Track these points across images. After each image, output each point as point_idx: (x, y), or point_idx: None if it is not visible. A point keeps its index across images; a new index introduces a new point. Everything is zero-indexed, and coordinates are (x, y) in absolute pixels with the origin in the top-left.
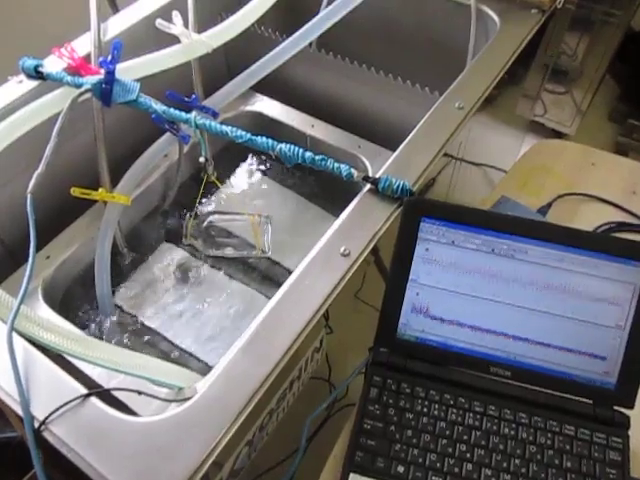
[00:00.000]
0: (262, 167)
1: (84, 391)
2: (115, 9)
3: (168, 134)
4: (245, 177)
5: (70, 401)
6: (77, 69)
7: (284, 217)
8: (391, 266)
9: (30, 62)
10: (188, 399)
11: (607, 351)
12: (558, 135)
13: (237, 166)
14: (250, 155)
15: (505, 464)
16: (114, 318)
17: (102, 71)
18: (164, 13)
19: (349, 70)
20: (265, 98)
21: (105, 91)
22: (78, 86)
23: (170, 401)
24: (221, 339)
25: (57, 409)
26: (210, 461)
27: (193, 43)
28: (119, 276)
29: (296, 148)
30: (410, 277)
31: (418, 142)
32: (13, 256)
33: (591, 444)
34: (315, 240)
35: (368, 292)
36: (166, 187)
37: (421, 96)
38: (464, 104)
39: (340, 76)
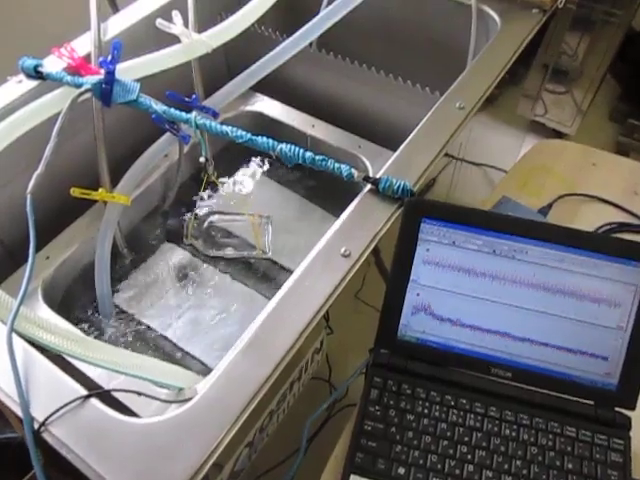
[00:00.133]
0: (262, 167)
1: (84, 392)
2: (115, 9)
3: (168, 134)
4: (245, 177)
5: (70, 402)
6: (77, 69)
7: (284, 217)
8: (392, 267)
9: (30, 62)
10: (188, 400)
11: (608, 352)
12: (558, 135)
13: (237, 166)
14: (250, 155)
15: (506, 465)
16: (114, 319)
17: (102, 71)
18: (164, 13)
19: (349, 70)
20: (265, 98)
21: (105, 91)
22: (78, 86)
23: (170, 402)
24: (221, 340)
25: (57, 410)
26: (210, 462)
27: (193, 43)
28: (119, 276)
29: (296, 148)
30: (411, 278)
31: (419, 142)
32: (13, 256)
33: (592, 445)
34: (315, 240)
35: (368, 292)
36: (166, 187)
37: (421, 96)
38: (465, 104)
39: (340, 76)
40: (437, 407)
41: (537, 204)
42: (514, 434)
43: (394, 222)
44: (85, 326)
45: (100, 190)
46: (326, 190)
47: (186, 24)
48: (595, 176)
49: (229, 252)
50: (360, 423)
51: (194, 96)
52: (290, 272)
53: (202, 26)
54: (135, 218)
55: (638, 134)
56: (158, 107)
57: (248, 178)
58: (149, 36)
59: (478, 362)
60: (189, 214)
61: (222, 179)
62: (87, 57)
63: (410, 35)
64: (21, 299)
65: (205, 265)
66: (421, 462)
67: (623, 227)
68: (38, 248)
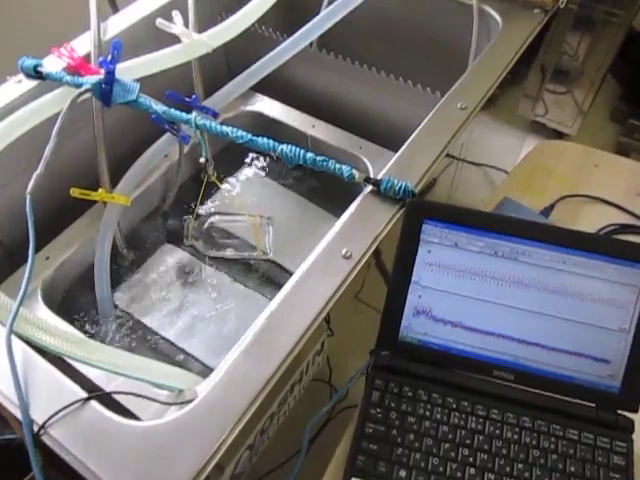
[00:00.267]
0: (263, 167)
1: (84, 394)
2: (115, 8)
3: (168, 134)
4: (245, 177)
5: (69, 405)
6: (77, 69)
7: (284, 217)
8: (393, 268)
9: (29, 62)
10: (189, 402)
11: (611, 354)
12: (559, 135)
13: (237, 166)
14: (250, 155)
15: (508, 468)
16: (114, 320)
17: (102, 71)
18: (164, 13)
19: (350, 70)
20: (265, 98)
21: (105, 91)
22: (78, 86)
23: (170, 404)
24: (221, 341)
25: (56, 413)
26: (211, 465)
27: (193, 43)
28: (119, 277)
29: (297, 149)
30: (412, 279)
31: (420, 143)
32: (12, 257)
33: (595, 448)
34: (316, 241)
35: (369, 293)
36: (166, 188)
37: (422, 96)
38: (467, 104)
39: (341, 76)
40: (439, 409)
41: (539, 205)
42: (516, 437)
43: (395, 223)
44: (85, 327)
45: (100, 190)
46: (327, 190)
47: (186, 24)
48: (597, 177)
49: (229, 253)
50: (361, 425)
51: (194, 96)
52: (291, 273)
53: (202, 26)
54: (135, 219)
55: (639, 134)
56: (158, 107)
57: (248, 178)
58: (149, 36)
59: (480, 364)
60: (189, 215)
61: (222, 180)
62: (87, 57)
63: (411, 35)
64: (20, 300)
65: (205, 266)
66: (422, 465)
67: (626, 228)
68: (38, 249)
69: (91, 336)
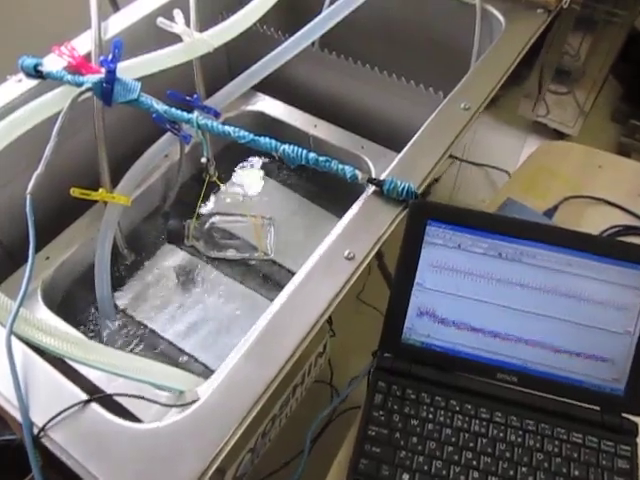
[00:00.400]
0: (264, 167)
1: (84, 396)
2: (116, 7)
3: (169, 134)
4: (246, 178)
5: (70, 407)
6: (77, 68)
7: (286, 218)
8: (396, 270)
9: (29, 61)
10: (189, 404)
11: (616, 357)
12: (560, 136)
13: (238, 166)
14: (252, 155)
15: (512, 472)
16: (114, 320)
17: (103, 70)
18: (165, 12)
19: (352, 70)
20: (267, 98)
21: (106, 90)
22: (78, 85)
23: (171, 406)
24: (222, 342)
25: (56, 415)
26: (213, 468)
27: (195, 42)
28: (119, 278)
29: (299, 149)
30: (416, 281)
31: (423, 143)
32: (12, 257)
33: (599, 452)
34: (318, 241)
35: (370, 293)
36: (167, 188)
37: (425, 96)
38: (470, 105)
39: (343, 76)
40: (442, 412)
41: (542, 206)
42: (520, 440)
43: (398, 224)
44: (85, 328)
45: (100, 190)
46: (327, 190)
47: (187, 23)
48: (601, 178)
49: (230, 253)
50: (364, 428)
51: (195, 96)
52: (292, 273)
53: (203, 25)
54: (136, 219)
55: None
56: (159, 107)
57: (249, 178)
58: (150, 35)
59: (484, 367)
60: (190, 215)
61: (223, 179)
62: (87, 56)
63: (413, 35)
64: (21, 301)
65: (206, 266)
66: (426, 468)
67: (629, 230)
68: (38, 249)
69: (91, 337)
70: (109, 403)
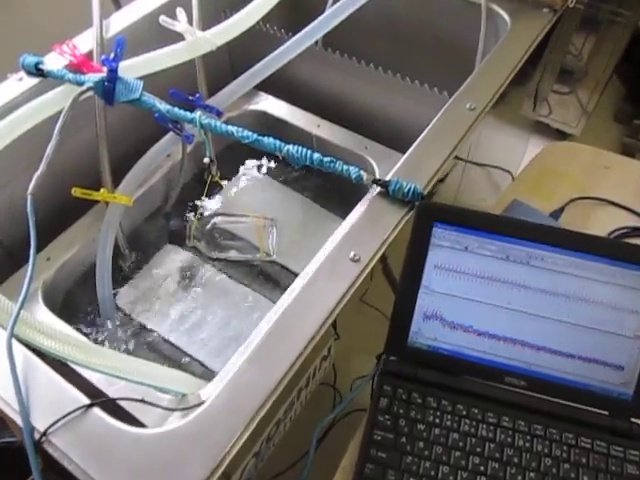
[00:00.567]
0: (266, 167)
1: (86, 401)
2: (117, 5)
3: (171, 134)
4: (249, 178)
5: (72, 412)
6: (79, 66)
7: (288, 218)
8: (402, 272)
9: (30, 59)
10: (192, 407)
11: (625, 361)
12: (563, 136)
13: (241, 165)
14: (254, 155)
15: (520, 477)
16: (115, 321)
17: (104, 69)
18: (167, 10)
19: (355, 69)
20: (270, 97)
21: (108, 89)
22: (80, 84)
23: (174, 410)
24: (224, 343)
25: (58, 420)
26: (218, 474)
27: (197, 41)
28: (121, 278)
29: (304, 149)
30: (422, 284)
31: (429, 144)
32: (12, 257)
33: (608, 457)
34: (320, 242)
35: (372, 294)
36: (168, 188)
37: (429, 96)
38: (476, 105)
39: (346, 75)
40: (448, 417)
41: (548, 208)
42: (528, 445)
43: (403, 226)
44: (86, 329)
45: (102, 190)
46: (330, 190)
47: (190, 21)
48: (607, 179)
49: (232, 254)
50: (369, 433)
51: (198, 95)
52: (294, 275)
53: (206, 24)
54: (137, 219)
55: None
56: (162, 106)
57: (252, 179)
58: (152, 33)
59: (491, 370)
60: (192, 215)
61: (225, 180)
62: (89, 54)
63: (417, 34)
64: (21, 303)
65: (208, 267)
66: (432, 473)
67: (636, 231)
68: (38, 249)
69: (92, 337)
70: (110, 406)
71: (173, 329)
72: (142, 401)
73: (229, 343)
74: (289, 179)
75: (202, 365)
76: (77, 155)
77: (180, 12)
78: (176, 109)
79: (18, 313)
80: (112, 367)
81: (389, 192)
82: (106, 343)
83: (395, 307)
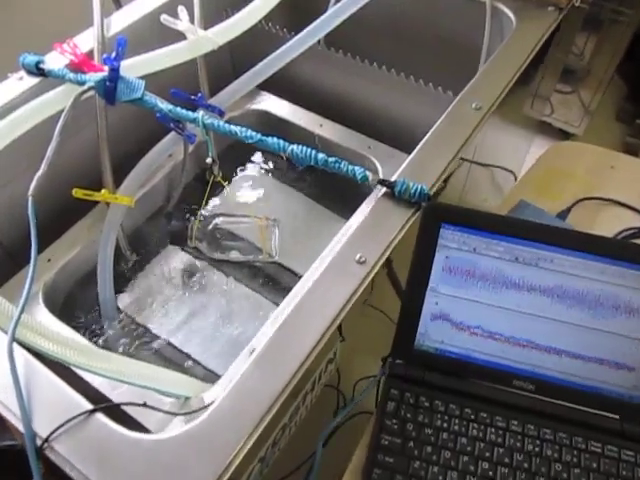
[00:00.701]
0: (268, 167)
1: (88, 406)
2: (118, 4)
3: (173, 133)
4: (251, 178)
5: (74, 417)
6: (80, 66)
7: (290, 218)
8: (409, 274)
9: (31, 58)
10: (196, 411)
11: (635, 364)
12: (566, 135)
13: (243, 165)
14: (256, 154)
15: None
16: (117, 323)
17: (106, 68)
18: (169, 9)
19: (358, 68)
20: (272, 97)
21: (109, 89)
22: (81, 83)
23: (176, 414)
24: (227, 345)
25: (60, 426)
26: None
27: (199, 40)
28: (122, 279)
29: (308, 149)
30: (429, 285)
31: (434, 144)
32: (13, 258)
33: (619, 462)
34: (323, 243)
35: (376, 296)
36: (170, 188)
37: (433, 96)
38: (481, 105)
39: (349, 74)
40: (456, 421)
41: (554, 208)
42: (537, 449)
43: (409, 227)
44: (87, 331)
45: (103, 191)
46: (332, 190)
47: (192, 20)
48: (613, 179)
49: (234, 255)
50: (377, 437)
51: (199, 94)
52: (297, 276)
53: (208, 23)
54: (139, 220)
55: None
56: (164, 106)
57: (254, 179)
58: (153, 32)
59: (499, 374)
60: (193, 216)
61: (227, 178)
62: (90, 54)
63: (421, 33)
64: (22, 306)
65: (210, 268)
66: (441, 478)
67: None
68: (39, 250)
69: (93, 339)
70: (114, 411)
71: (175, 331)
72: (145, 405)
73: (232, 345)
74: (291, 179)
75: (204, 368)
76: (78, 155)
77: (182, 11)
78: (179, 109)
79: (19, 316)
80: (114, 371)
81: (395, 193)
82: (107, 344)
83: (402, 309)
